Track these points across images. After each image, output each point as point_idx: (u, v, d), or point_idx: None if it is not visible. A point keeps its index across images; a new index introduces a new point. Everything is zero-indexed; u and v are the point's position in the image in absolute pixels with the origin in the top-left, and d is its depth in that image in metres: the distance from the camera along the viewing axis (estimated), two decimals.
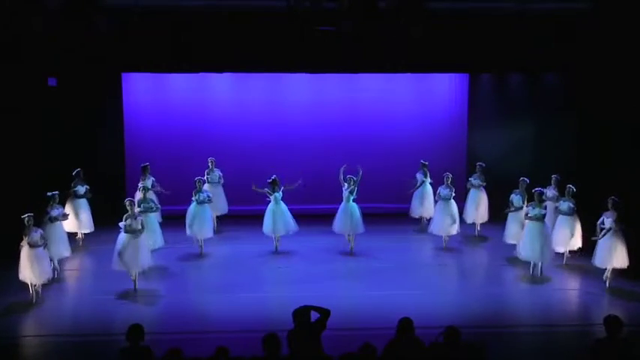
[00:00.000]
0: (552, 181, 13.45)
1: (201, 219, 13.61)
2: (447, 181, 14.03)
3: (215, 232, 14.41)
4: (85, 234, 14.32)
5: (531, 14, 12.88)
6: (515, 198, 13.29)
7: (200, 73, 15.48)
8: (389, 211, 16.36)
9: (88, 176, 14.26)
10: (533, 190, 12.42)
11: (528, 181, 13.34)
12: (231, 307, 10.96)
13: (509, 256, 13.31)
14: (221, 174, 15.17)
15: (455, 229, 14.06)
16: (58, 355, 9.52)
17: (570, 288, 12.25)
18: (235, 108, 16.56)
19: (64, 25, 12.02)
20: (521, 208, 13.09)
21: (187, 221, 13.62)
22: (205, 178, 14.56)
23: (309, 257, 13.55)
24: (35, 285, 11.15)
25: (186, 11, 12.94)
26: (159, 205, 13.64)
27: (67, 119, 15.12)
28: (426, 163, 15.26)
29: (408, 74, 15.70)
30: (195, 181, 13.76)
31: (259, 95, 16.55)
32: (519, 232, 12.85)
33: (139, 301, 11.39)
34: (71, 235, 13.41)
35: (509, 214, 13.38)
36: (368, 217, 14.06)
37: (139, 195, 13.56)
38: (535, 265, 12.40)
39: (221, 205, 15.21)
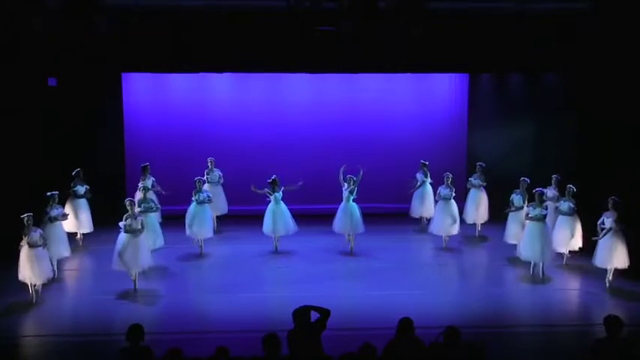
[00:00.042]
0: (553, 181, 13.44)
1: (201, 219, 13.61)
2: (447, 181, 14.03)
3: (215, 232, 14.42)
4: (84, 234, 14.32)
5: (531, 14, 12.88)
6: (516, 198, 13.28)
7: (200, 73, 15.48)
8: (389, 211, 16.35)
9: (88, 176, 14.26)
10: (533, 191, 12.41)
11: (529, 181, 13.33)
12: (231, 307, 10.96)
13: (510, 256, 13.31)
14: (221, 174, 15.17)
15: (455, 229, 14.06)
16: (58, 355, 9.52)
17: (570, 288, 12.25)
18: (235, 108, 16.56)
19: (64, 25, 12.03)
20: (522, 208, 13.09)
21: (187, 221, 13.62)
22: (205, 178, 14.56)
23: (309, 257, 13.54)
24: (35, 285, 11.15)
25: (186, 11, 12.94)
26: (159, 205, 13.64)
27: (67, 119, 15.12)
28: (427, 163, 15.26)
29: (408, 74, 15.70)
30: (195, 181, 13.77)
31: (259, 95, 16.55)
32: (520, 232, 12.85)
33: (139, 301, 11.39)
34: (71, 235, 13.40)
35: (510, 214, 13.37)
36: (368, 217, 14.05)
37: (139, 195, 13.56)
38: (535, 265, 12.40)
39: (221, 205, 15.21)
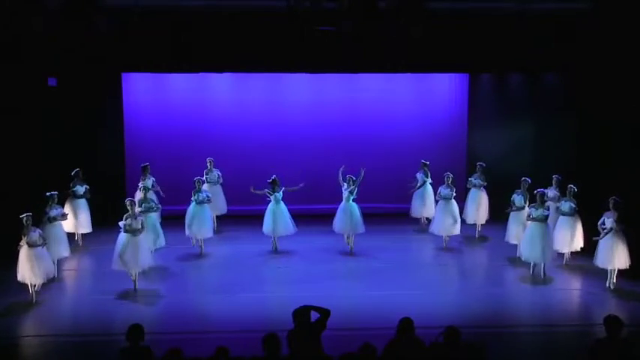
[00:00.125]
0: (553, 182, 13.43)
1: (201, 219, 13.61)
2: (448, 181, 14.03)
3: (215, 232, 14.42)
4: (84, 234, 14.32)
5: (531, 14, 12.87)
6: (517, 198, 13.27)
7: (200, 73, 15.48)
8: (389, 211, 16.36)
9: (88, 176, 14.27)
10: (535, 192, 12.40)
11: (530, 181, 13.32)
12: (231, 307, 10.96)
13: (510, 256, 13.33)
14: (220, 174, 15.17)
15: (456, 229, 14.06)
16: (58, 355, 9.52)
17: (571, 288, 12.25)
18: (235, 108, 16.56)
19: (64, 25, 12.02)
20: (523, 208, 13.08)
21: (187, 221, 13.63)
22: (204, 178, 14.56)
23: (309, 257, 13.54)
24: (35, 285, 11.14)
25: (186, 11, 12.94)
26: (159, 205, 13.64)
27: (67, 119, 15.11)
28: (427, 162, 15.26)
29: (408, 74, 15.70)
30: (195, 181, 13.77)
31: (259, 95, 16.55)
32: (521, 232, 12.84)
33: (139, 301, 11.39)
34: (70, 236, 13.38)
35: (511, 215, 13.34)
36: (368, 217, 14.06)
37: (139, 195, 13.56)
38: (536, 265, 12.39)
39: (220, 205, 15.22)
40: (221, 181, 15.20)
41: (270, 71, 15.03)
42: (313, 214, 15.40)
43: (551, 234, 12.39)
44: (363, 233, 13.77)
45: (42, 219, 11.98)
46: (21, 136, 14.07)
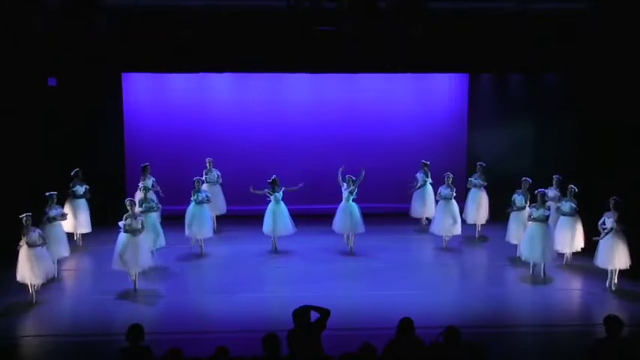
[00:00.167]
0: (554, 182, 13.43)
1: (201, 219, 13.61)
2: (448, 181, 14.02)
3: (215, 232, 14.42)
4: (83, 234, 14.32)
5: (531, 14, 12.87)
6: (518, 198, 13.26)
7: (200, 73, 15.47)
8: (389, 211, 16.36)
9: (88, 176, 14.27)
10: (535, 192, 12.39)
11: (531, 181, 13.32)
12: (231, 307, 10.96)
13: (510, 256, 13.33)
14: (219, 174, 15.17)
15: (457, 230, 14.05)
16: (58, 355, 9.52)
17: (571, 288, 12.25)
18: (235, 108, 16.56)
19: (64, 25, 12.02)
20: (524, 208, 13.07)
21: (186, 221, 13.62)
22: (203, 178, 14.55)
23: (309, 257, 13.54)
24: (35, 285, 11.14)
25: (186, 11, 12.93)
26: (160, 205, 13.63)
27: (67, 119, 15.11)
28: (428, 162, 15.25)
29: (408, 74, 15.70)
30: (194, 181, 13.77)
31: (259, 95, 16.55)
32: (521, 232, 12.83)
33: (139, 301, 11.39)
34: (69, 236, 13.37)
35: (512, 215, 13.33)
36: (368, 217, 14.06)
37: (139, 195, 13.56)
38: (536, 265, 12.39)
39: (220, 205, 15.22)
40: (220, 181, 15.20)
41: (270, 71, 15.03)
42: (313, 214, 15.40)
43: (551, 234, 12.39)
44: (363, 233, 13.77)
45: (41, 219, 11.98)
46: (21, 136, 14.07)
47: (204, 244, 13.80)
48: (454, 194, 14.00)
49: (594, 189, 12.74)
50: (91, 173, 14.52)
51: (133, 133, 16.30)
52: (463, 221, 14.46)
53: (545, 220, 12.19)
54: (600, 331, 7.30)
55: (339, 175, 13.70)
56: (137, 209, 12.13)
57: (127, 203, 11.84)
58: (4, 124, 13.72)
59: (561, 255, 12.91)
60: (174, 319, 10.58)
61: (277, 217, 13.67)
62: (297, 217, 14.03)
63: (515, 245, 13.22)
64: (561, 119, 14.83)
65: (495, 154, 15.75)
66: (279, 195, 13.67)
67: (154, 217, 13.10)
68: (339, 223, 13.74)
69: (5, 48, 12.63)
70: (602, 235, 11.59)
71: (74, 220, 13.91)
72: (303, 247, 13.95)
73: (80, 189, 14.05)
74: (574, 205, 12.61)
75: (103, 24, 12.25)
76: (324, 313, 7.19)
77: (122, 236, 11.62)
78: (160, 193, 14.55)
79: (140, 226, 11.66)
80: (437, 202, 14.44)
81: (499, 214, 14.03)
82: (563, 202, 12.76)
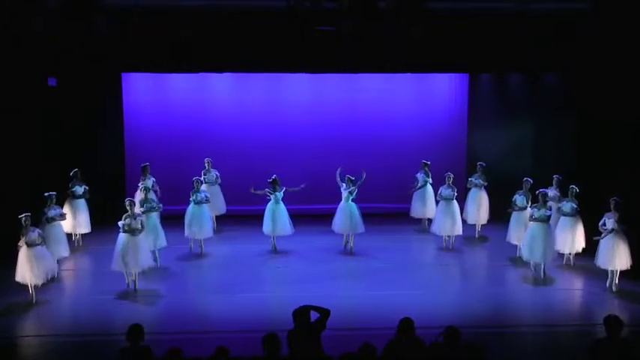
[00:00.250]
0: (554, 182, 13.42)
1: (200, 219, 13.60)
2: (449, 181, 14.02)
3: (215, 232, 14.41)
4: (83, 234, 14.31)
5: (531, 14, 12.86)
6: (519, 198, 13.25)
7: (200, 73, 15.48)
8: (389, 211, 16.37)
9: (88, 176, 14.27)
10: (537, 192, 12.39)
11: (532, 181, 13.32)
12: (231, 307, 10.96)
13: (511, 257, 13.33)
14: (218, 174, 15.16)
15: (458, 230, 14.04)
16: (58, 355, 9.51)
17: (571, 288, 12.24)
18: (235, 108, 16.57)
19: (64, 25, 12.01)
20: (525, 208, 13.06)
21: (186, 222, 13.62)
22: (202, 178, 14.54)
23: (309, 257, 13.54)
24: (35, 285, 11.14)
25: (186, 11, 12.93)
26: (161, 205, 13.63)
27: (67, 119, 15.11)
28: (428, 162, 15.24)
29: (408, 74, 15.70)
30: (193, 181, 13.77)
31: (259, 95, 16.56)
32: (523, 232, 12.82)
33: (139, 301, 11.38)
34: (68, 236, 13.36)
35: (513, 215, 13.31)
36: (368, 217, 14.06)
37: (139, 195, 13.56)
38: (537, 265, 12.39)
39: (219, 205, 15.22)
40: (219, 181, 15.19)
41: (270, 71, 15.03)
42: (313, 214, 15.42)
43: (552, 234, 12.39)
44: (363, 233, 13.77)
45: (40, 219, 11.97)
46: (21, 136, 14.07)
47: (204, 244, 13.80)
48: (455, 194, 13.99)
49: (594, 189, 12.73)
50: (91, 173, 14.52)
51: (133, 133, 16.30)
52: (463, 221, 14.45)
53: (546, 220, 12.19)
54: (600, 331, 7.30)
55: (338, 176, 13.70)
56: (138, 209, 12.12)
57: (127, 203, 11.84)
58: (4, 124, 13.72)
59: (561, 255, 12.91)
60: (174, 319, 10.58)
61: (276, 216, 13.68)
62: (297, 217, 14.04)
63: (515, 245, 13.22)
64: (561, 119, 14.82)
65: (495, 154, 15.76)
66: (280, 195, 13.67)
67: (155, 217, 13.10)
68: (338, 223, 13.74)
69: (5, 48, 12.63)
70: (602, 235, 11.58)
71: (73, 220, 13.91)
72: (302, 247, 13.95)
73: (79, 189, 14.04)
74: (575, 206, 12.60)
75: (103, 24, 12.24)
76: (324, 313, 7.19)
77: (122, 236, 11.61)
78: (158, 193, 14.54)
79: (140, 226, 11.66)
80: (437, 202, 14.44)
81: (499, 214, 14.03)
82: (564, 202, 12.76)
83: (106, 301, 11.21)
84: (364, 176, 13.59)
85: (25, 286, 11.14)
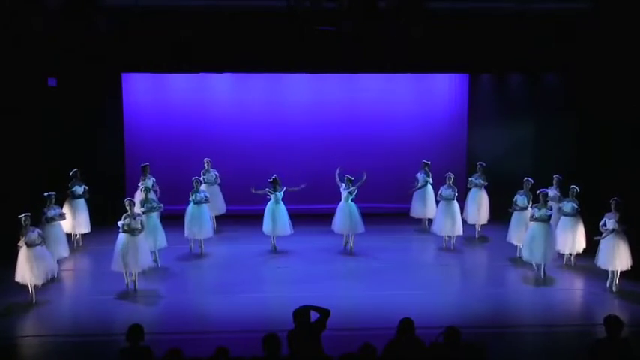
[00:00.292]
0: (554, 182, 13.42)
1: (200, 219, 13.60)
2: (449, 181, 14.01)
3: (215, 232, 14.41)
4: (83, 234, 14.30)
5: (531, 14, 12.86)
6: (520, 198, 13.24)
7: (200, 73, 15.48)
8: (389, 211, 16.37)
9: (88, 176, 14.27)
10: (537, 192, 12.38)
11: (533, 181, 13.31)
12: (231, 307, 10.95)
13: (511, 257, 13.33)
14: (217, 174, 15.15)
15: (458, 230, 14.04)
16: (58, 355, 9.51)
17: (572, 288, 12.24)
18: (235, 108, 16.56)
19: (64, 25, 12.01)
20: (526, 208, 13.05)
21: (186, 222, 13.62)
22: (202, 178, 14.53)
23: (309, 257, 13.54)
24: (35, 285, 11.13)
25: (186, 11, 12.93)
26: (161, 205, 13.62)
27: (67, 119, 15.12)
28: (428, 162, 15.23)
29: (408, 74, 15.71)
30: (193, 181, 13.76)
31: (259, 95, 16.56)
32: (523, 232, 12.81)
33: (139, 301, 11.38)
34: (68, 236, 13.35)
35: (513, 215, 13.30)
36: (368, 217, 14.06)
37: (139, 195, 13.56)
38: (537, 265, 12.39)
39: (219, 205, 15.22)
40: (219, 181, 15.19)
41: (270, 71, 15.04)
42: (313, 214, 15.42)
43: (553, 234, 12.39)
44: (363, 233, 13.77)
45: (40, 219, 11.97)
46: (21, 136, 14.07)
47: (204, 244, 13.80)
48: (456, 195, 13.99)
49: (594, 189, 12.74)
50: (91, 173, 14.52)
51: (133, 133, 16.30)
52: (464, 221, 14.44)
53: (547, 220, 12.18)
54: (600, 331, 7.29)
55: (337, 176, 13.70)
56: (138, 209, 12.11)
57: (127, 203, 11.83)
58: (4, 124, 13.72)
59: (561, 255, 12.91)
60: (174, 319, 10.57)
61: (276, 216, 13.68)
62: (297, 217, 14.04)
63: (516, 245, 13.22)
64: (561, 119, 14.83)
65: (495, 154, 15.76)
66: (280, 195, 13.67)
67: (155, 217, 13.09)
68: (338, 223, 13.74)
69: (5, 48, 12.63)
70: (603, 236, 11.58)
71: (73, 220, 13.90)
72: (302, 247, 13.95)
73: (79, 189, 14.04)
74: (575, 206, 12.60)
75: (103, 24, 12.23)
76: (324, 313, 7.19)
77: (121, 237, 11.61)
78: (158, 193, 14.52)
79: (139, 226, 11.66)
80: (437, 202, 14.44)
81: (499, 214, 14.03)
82: (565, 202, 12.75)
83: (105, 301, 11.21)
84: (365, 177, 13.60)
85: (25, 286, 11.14)
